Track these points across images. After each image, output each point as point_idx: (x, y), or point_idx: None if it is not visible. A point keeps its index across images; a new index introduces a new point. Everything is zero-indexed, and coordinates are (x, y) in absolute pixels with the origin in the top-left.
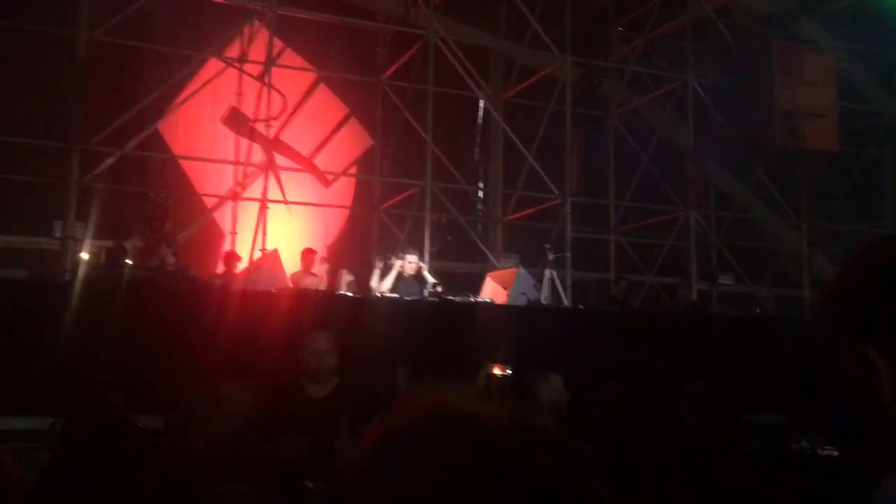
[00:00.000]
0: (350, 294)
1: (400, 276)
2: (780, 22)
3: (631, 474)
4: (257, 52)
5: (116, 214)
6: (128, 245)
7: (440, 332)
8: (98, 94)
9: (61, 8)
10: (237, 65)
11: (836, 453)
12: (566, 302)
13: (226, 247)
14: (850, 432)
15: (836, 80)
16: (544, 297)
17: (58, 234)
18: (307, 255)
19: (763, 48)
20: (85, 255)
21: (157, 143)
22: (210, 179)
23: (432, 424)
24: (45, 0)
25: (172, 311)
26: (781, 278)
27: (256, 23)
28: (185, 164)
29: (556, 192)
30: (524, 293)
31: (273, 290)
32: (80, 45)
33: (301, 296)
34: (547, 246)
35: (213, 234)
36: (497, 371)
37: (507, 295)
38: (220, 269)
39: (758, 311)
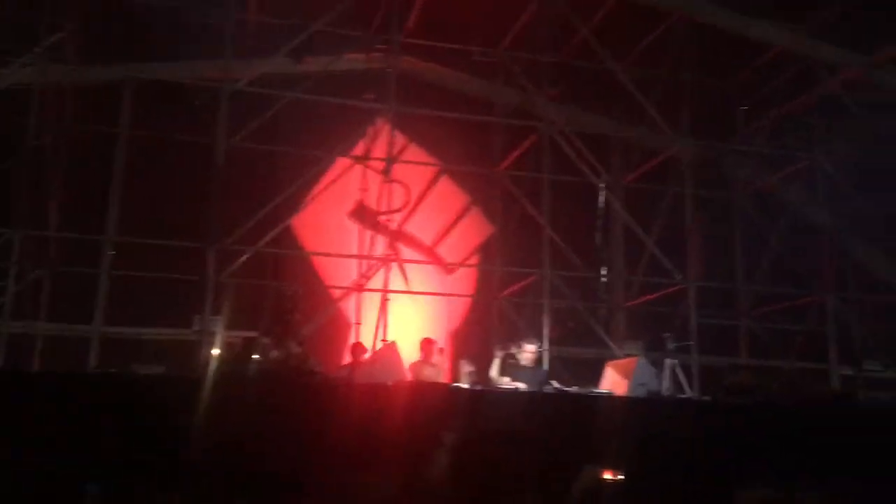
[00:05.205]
0: (467, 386)
1: (517, 365)
2: None
3: None
4: (381, 148)
5: (250, 307)
6: (261, 340)
7: None
8: (233, 195)
9: (200, 117)
10: (362, 162)
11: None
12: (689, 393)
13: (351, 337)
14: None
15: None
16: (666, 387)
17: (196, 327)
18: (426, 344)
19: None
20: (216, 350)
21: (287, 237)
22: (337, 271)
23: None
24: (184, 111)
25: (292, 405)
26: None
27: (379, 121)
28: (313, 256)
29: (679, 277)
30: (644, 384)
31: (389, 384)
32: (218, 152)
33: (417, 390)
34: (667, 335)
35: (340, 324)
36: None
37: (628, 385)
38: (347, 359)
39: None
